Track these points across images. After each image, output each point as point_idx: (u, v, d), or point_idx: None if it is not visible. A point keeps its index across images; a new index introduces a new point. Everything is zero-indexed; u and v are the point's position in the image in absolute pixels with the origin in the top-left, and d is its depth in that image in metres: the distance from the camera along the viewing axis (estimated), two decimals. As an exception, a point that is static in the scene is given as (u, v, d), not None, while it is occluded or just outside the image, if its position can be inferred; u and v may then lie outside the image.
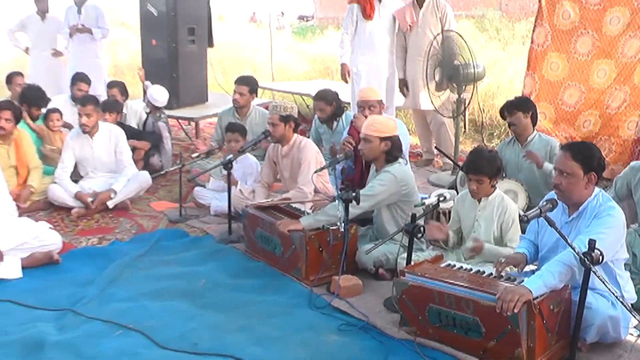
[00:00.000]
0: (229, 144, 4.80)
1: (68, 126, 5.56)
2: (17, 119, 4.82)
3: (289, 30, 17.71)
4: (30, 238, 3.83)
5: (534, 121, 4.40)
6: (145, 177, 5.05)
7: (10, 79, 6.37)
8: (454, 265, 3.01)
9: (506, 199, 3.35)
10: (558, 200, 2.76)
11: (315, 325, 3.09)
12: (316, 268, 3.49)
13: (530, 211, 2.68)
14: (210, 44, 7.29)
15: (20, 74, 6.49)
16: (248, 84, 5.41)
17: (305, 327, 3.08)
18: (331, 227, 3.49)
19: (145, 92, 6.15)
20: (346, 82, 5.97)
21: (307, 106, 8.32)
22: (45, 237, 3.90)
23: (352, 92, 6.01)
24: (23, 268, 3.72)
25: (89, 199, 4.72)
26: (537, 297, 2.51)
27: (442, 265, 3.04)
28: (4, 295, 3.41)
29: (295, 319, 3.15)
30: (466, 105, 5.51)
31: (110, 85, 6.05)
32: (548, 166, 4.07)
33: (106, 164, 5.01)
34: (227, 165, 4.19)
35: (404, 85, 5.91)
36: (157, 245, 4.16)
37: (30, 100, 5.44)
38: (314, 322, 3.12)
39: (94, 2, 7.27)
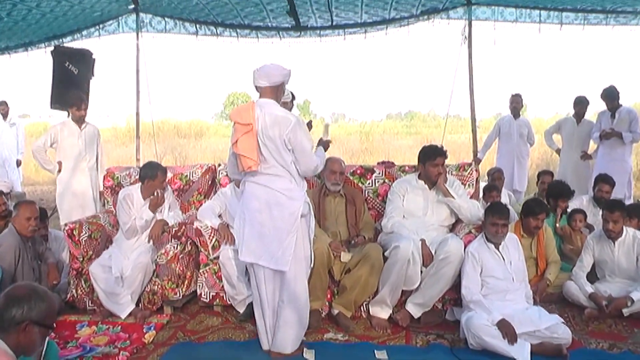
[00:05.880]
0: None
1: (589, 227, 5.53)
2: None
3: None
4: (543, 327, 3.94)
5: None
6: (666, 292, 4.53)
7: (539, 176, 6.77)
8: None
9: None
10: None
11: None
12: None
13: None
14: None
15: (549, 173, 6.88)
16: None
17: None
18: None
19: None
20: None
21: None
22: (557, 330, 3.95)
23: None
24: (532, 353, 3.79)
25: (604, 302, 4.55)
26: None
27: None
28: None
29: None
30: None
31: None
32: None
33: (625, 270, 4.78)
34: None
35: None
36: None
37: (554, 193, 5.66)
38: None
39: (629, 106, 7.23)
